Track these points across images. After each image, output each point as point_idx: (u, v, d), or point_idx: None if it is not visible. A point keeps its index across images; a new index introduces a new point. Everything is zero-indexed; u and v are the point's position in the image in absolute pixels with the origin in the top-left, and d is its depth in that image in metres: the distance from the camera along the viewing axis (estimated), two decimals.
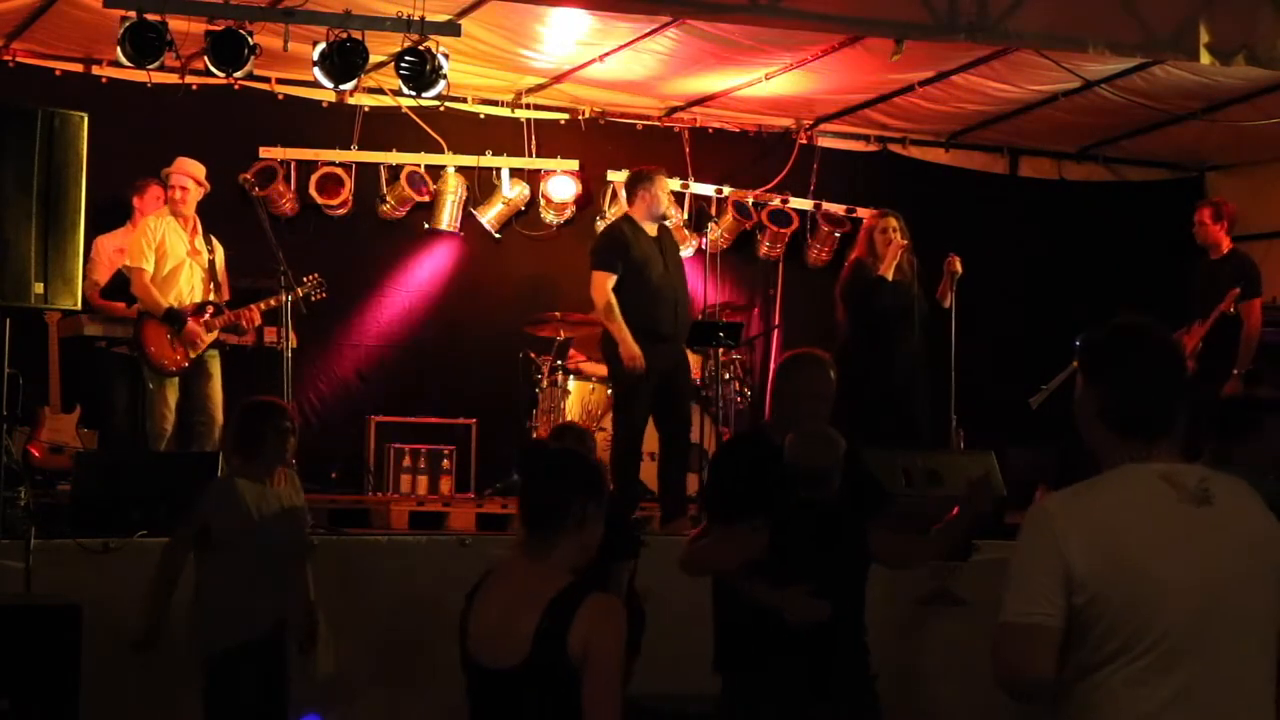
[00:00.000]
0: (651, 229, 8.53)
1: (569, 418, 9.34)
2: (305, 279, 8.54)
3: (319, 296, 8.69)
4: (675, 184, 10.65)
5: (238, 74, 7.98)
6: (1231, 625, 3.03)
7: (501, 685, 3.61)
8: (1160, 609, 2.99)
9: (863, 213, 10.36)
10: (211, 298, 8.61)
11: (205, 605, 5.76)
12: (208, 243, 8.69)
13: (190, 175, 8.61)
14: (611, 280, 8.36)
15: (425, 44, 7.92)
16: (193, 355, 8.43)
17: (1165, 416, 3.14)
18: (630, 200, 8.64)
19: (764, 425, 6.07)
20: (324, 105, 10.20)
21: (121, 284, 8.69)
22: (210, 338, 8.50)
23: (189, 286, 8.57)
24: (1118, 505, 3.07)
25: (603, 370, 9.10)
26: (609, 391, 9.33)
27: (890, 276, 8.79)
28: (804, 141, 11.25)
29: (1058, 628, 3.02)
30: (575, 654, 3.51)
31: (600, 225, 10.76)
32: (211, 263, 8.67)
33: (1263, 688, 3.08)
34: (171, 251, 8.54)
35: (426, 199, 10.46)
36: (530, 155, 10.68)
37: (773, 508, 4.86)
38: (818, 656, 4.85)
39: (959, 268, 8.83)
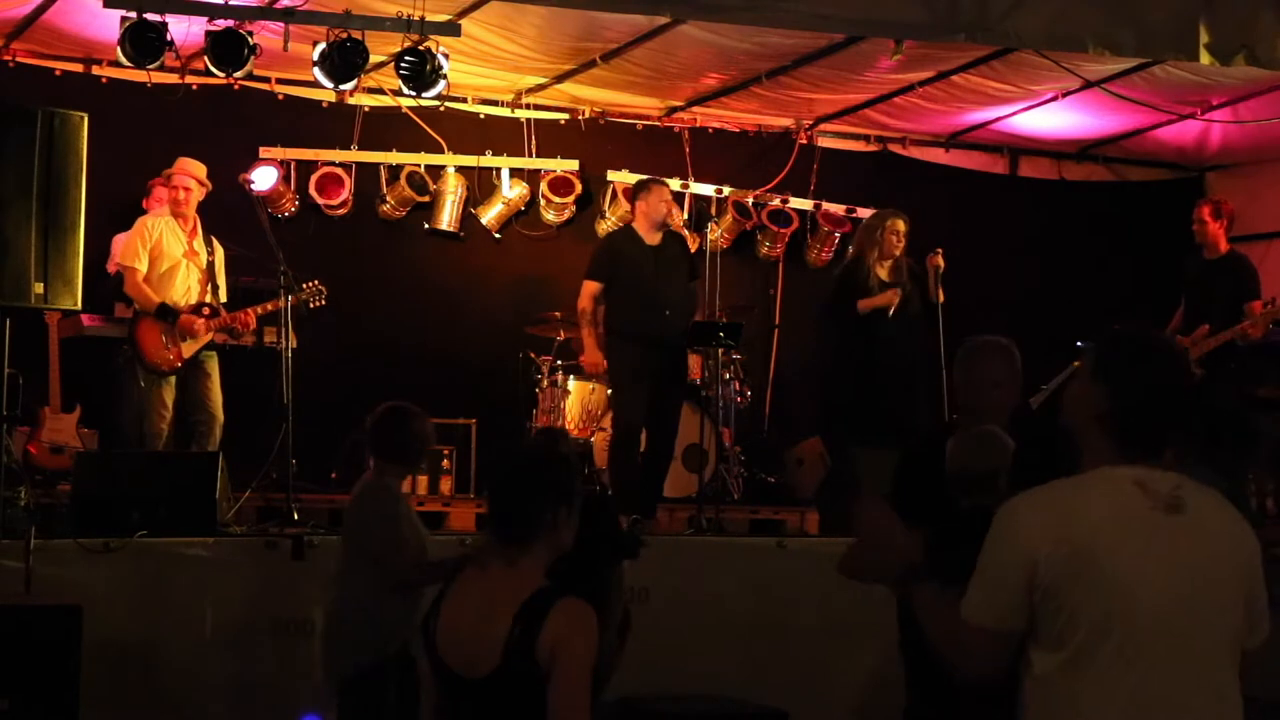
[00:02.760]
0: (653, 237, 8.67)
1: (569, 418, 9.35)
2: (305, 285, 8.51)
3: (317, 304, 8.66)
4: (675, 184, 10.67)
5: (238, 74, 7.98)
6: (1195, 632, 3.02)
7: (474, 694, 3.55)
8: (1124, 613, 3.00)
9: (863, 213, 10.36)
10: (208, 299, 8.60)
11: (346, 623, 5.65)
12: (208, 244, 8.68)
13: (192, 176, 8.61)
14: (594, 288, 8.71)
15: (425, 44, 7.92)
16: (187, 354, 8.42)
17: (1164, 433, 3.14)
18: (633, 208, 8.95)
19: (945, 423, 5.85)
20: (324, 105, 10.21)
21: (121, 283, 8.69)
22: (205, 339, 8.49)
23: (185, 287, 8.55)
24: (1086, 507, 3.07)
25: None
26: (608, 392, 9.35)
27: (886, 275, 8.79)
28: (804, 141, 11.25)
29: (1017, 630, 3.05)
30: (544, 659, 3.46)
31: (600, 225, 10.80)
32: (210, 264, 8.65)
33: (1226, 695, 3.07)
34: (168, 252, 8.53)
35: (426, 199, 10.47)
36: (530, 155, 10.69)
37: (935, 517, 4.26)
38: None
39: (941, 262, 8.83)
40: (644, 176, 9.55)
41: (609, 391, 9.35)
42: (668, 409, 8.69)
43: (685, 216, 10.81)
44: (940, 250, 8.86)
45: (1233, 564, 3.09)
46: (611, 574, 5.84)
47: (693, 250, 9.28)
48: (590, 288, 8.73)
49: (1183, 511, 3.06)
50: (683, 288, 8.76)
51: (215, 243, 8.72)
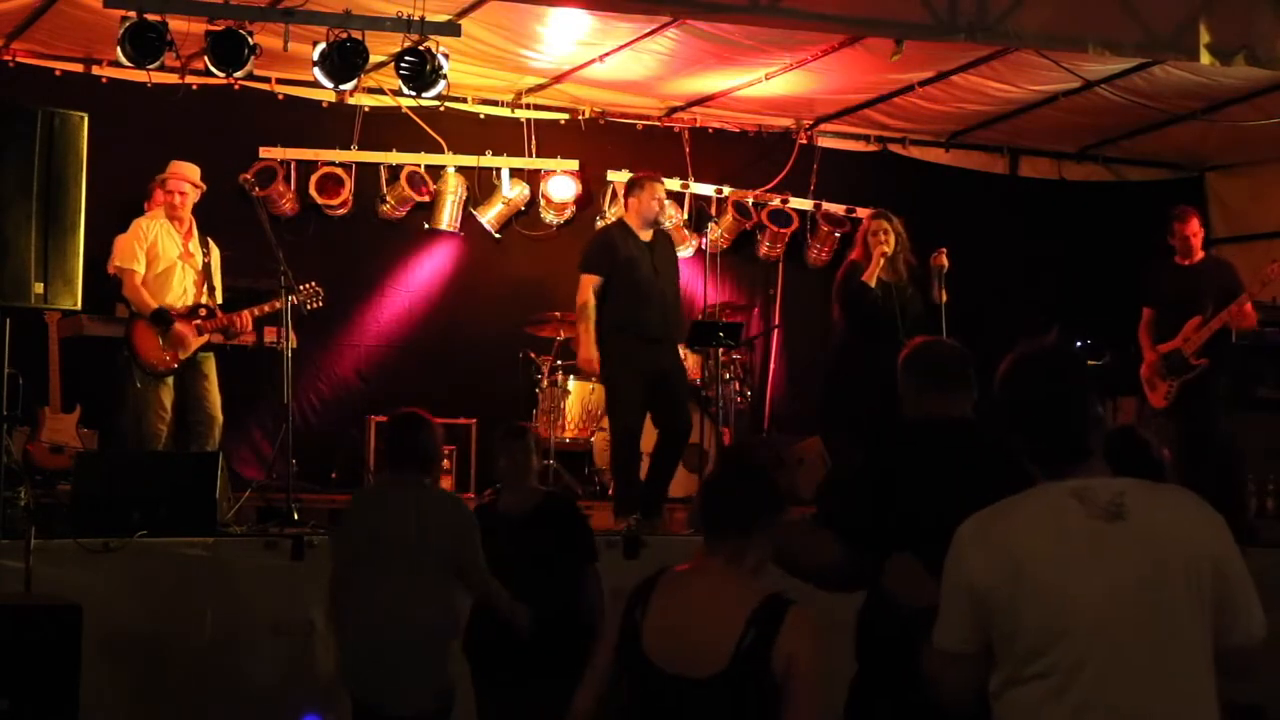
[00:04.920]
0: (645, 233, 8.58)
1: (569, 418, 9.35)
2: (303, 287, 8.49)
3: (315, 305, 8.62)
4: (675, 184, 10.69)
5: (238, 74, 7.97)
6: (1148, 639, 3.01)
7: (692, 694, 3.56)
8: (1068, 624, 3.02)
9: (862, 213, 10.36)
10: (204, 300, 8.59)
11: (431, 647, 5.43)
12: (203, 245, 8.66)
13: (187, 179, 8.60)
14: (594, 282, 8.45)
15: (425, 44, 7.92)
16: (183, 356, 8.43)
17: (1064, 442, 3.18)
18: (625, 204, 8.76)
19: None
20: (324, 105, 10.21)
21: (120, 284, 8.69)
22: (200, 340, 8.47)
23: (181, 289, 8.55)
24: (1022, 525, 3.12)
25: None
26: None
27: (874, 282, 8.81)
28: (804, 141, 11.25)
29: (973, 653, 3.11)
30: (778, 668, 3.51)
31: (600, 225, 10.78)
32: (206, 265, 8.65)
33: (1196, 700, 3.05)
34: (164, 254, 8.52)
35: (426, 199, 10.47)
36: (530, 155, 10.69)
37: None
38: None
39: (945, 261, 8.83)
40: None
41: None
42: (679, 405, 8.55)
43: (684, 216, 10.84)
44: (944, 250, 8.87)
45: (1188, 564, 3.05)
46: (585, 579, 5.85)
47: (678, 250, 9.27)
48: (590, 281, 8.47)
49: (1124, 518, 3.06)
50: (675, 286, 8.66)
51: (211, 243, 8.71)
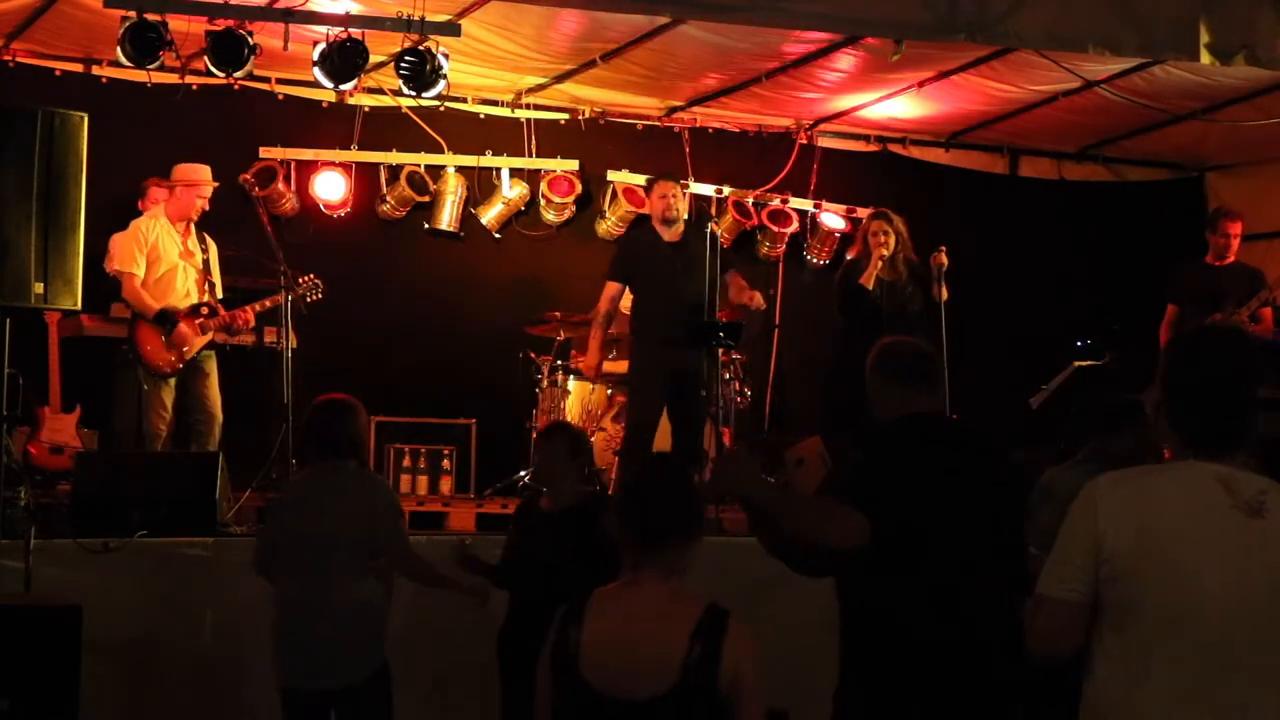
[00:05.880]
0: (669, 233, 8.67)
1: (569, 418, 9.35)
2: (302, 280, 8.52)
3: (315, 298, 8.65)
4: None
5: (238, 74, 7.97)
6: (1263, 635, 2.99)
7: (637, 716, 3.46)
8: (1192, 610, 2.97)
9: (862, 213, 10.36)
10: (205, 299, 8.60)
11: (364, 621, 5.59)
12: (201, 241, 8.69)
13: (210, 182, 8.65)
14: (612, 289, 8.71)
15: (425, 44, 7.92)
16: (186, 357, 8.43)
17: (1222, 429, 3.11)
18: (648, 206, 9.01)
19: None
20: (324, 105, 10.20)
21: (119, 284, 8.69)
22: (203, 340, 8.48)
23: (184, 290, 8.55)
24: (1165, 495, 3.06)
25: (617, 368, 9.25)
26: (608, 392, 9.36)
27: (872, 283, 8.81)
28: (804, 141, 11.24)
29: (1085, 604, 3.05)
30: (725, 682, 3.43)
31: (600, 225, 10.80)
32: (205, 262, 8.66)
33: None
34: (165, 255, 8.53)
35: (426, 199, 10.47)
36: (530, 155, 10.68)
37: None
38: None
39: (945, 260, 8.84)
40: (645, 176, 9.57)
41: (609, 392, 9.36)
42: (692, 410, 8.57)
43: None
44: (944, 248, 8.87)
45: None
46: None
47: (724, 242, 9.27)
48: (608, 289, 8.74)
49: (1264, 515, 3.03)
50: (703, 285, 8.46)
51: (208, 239, 8.73)
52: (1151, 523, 3.02)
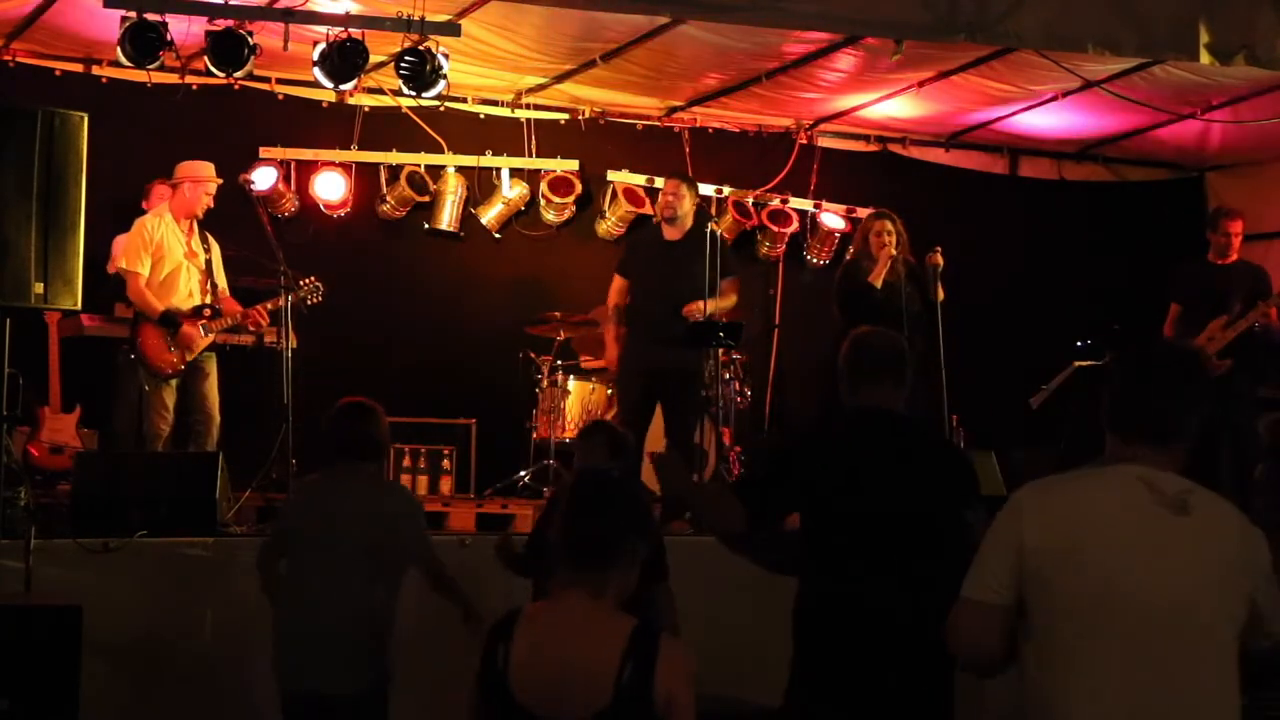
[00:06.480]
0: (671, 232, 8.76)
1: (569, 418, 9.35)
2: (302, 282, 8.52)
3: (315, 300, 8.65)
4: None
5: (238, 74, 7.98)
6: (1191, 633, 3.03)
7: None
8: (1119, 607, 3.01)
9: (862, 213, 10.36)
10: (208, 299, 8.60)
11: (369, 631, 5.45)
12: (204, 241, 8.69)
13: (213, 179, 8.66)
14: (618, 283, 8.94)
15: (425, 44, 7.92)
16: (189, 358, 8.43)
17: (1161, 422, 3.16)
18: None
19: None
20: (324, 105, 10.20)
21: (121, 284, 8.69)
22: (206, 341, 8.48)
23: (187, 290, 8.55)
24: (1087, 498, 3.11)
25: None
26: (609, 391, 9.37)
27: (880, 282, 8.81)
28: (804, 141, 11.25)
29: (1007, 606, 3.09)
30: (660, 701, 3.34)
31: (600, 225, 10.81)
32: (208, 262, 8.66)
33: (1225, 697, 3.07)
34: (169, 254, 8.53)
35: (426, 199, 10.47)
36: (530, 155, 10.68)
37: None
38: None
39: (940, 260, 8.84)
40: (645, 176, 9.61)
41: (609, 392, 9.37)
42: (678, 408, 8.59)
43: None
44: (939, 249, 8.87)
45: (1240, 568, 3.09)
46: (659, 591, 5.76)
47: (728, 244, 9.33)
48: (615, 283, 8.98)
49: (1188, 513, 3.07)
50: (699, 284, 8.49)
51: (210, 239, 8.73)
52: (1076, 523, 3.06)
